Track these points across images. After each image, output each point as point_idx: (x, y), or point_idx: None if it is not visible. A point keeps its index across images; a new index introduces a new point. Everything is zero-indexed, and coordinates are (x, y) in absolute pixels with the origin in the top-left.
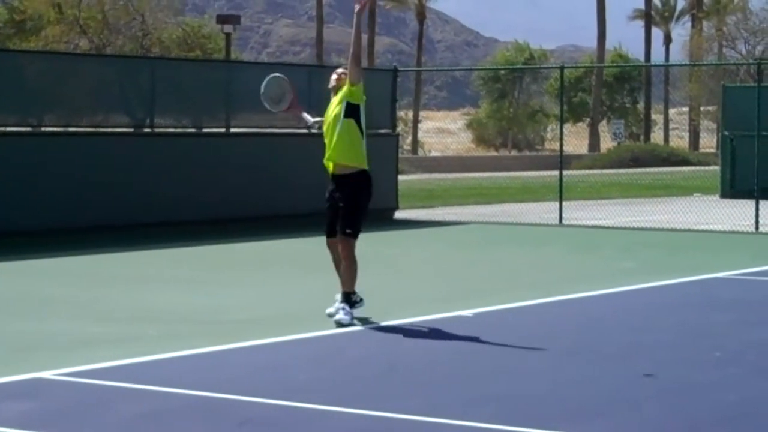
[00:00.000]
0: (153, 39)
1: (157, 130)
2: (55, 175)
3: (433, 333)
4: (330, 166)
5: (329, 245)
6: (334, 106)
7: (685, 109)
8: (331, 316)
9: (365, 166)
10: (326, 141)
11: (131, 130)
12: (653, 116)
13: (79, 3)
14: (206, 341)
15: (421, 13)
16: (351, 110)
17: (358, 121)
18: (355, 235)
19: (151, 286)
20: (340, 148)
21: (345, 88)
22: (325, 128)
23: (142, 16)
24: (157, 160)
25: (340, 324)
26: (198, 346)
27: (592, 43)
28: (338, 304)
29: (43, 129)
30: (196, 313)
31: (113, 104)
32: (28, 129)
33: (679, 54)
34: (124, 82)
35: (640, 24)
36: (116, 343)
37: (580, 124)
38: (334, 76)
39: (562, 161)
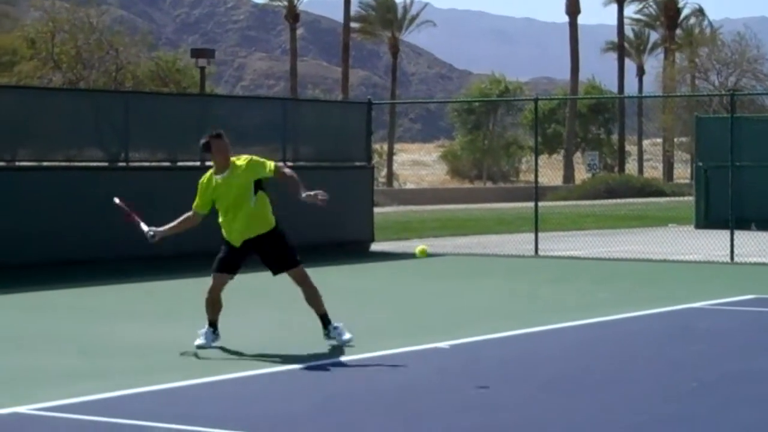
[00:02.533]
0: (126, 73)
1: (131, 164)
2: (30, 209)
3: (410, 365)
4: (241, 238)
5: (223, 281)
6: (236, 187)
7: (659, 140)
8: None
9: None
10: (226, 218)
11: (106, 164)
12: (627, 147)
13: (53, 38)
14: (182, 375)
15: (394, 46)
16: (261, 184)
17: (265, 189)
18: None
19: (124, 320)
20: (257, 222)
21: (245, 167)
22: (223, 208)
23: (116, 50)
24: (131, 193)
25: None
26: (174, 380)
27: (566, 75)
28: (339, 329)
29: (17, 164)
30: (171, 347)
31: (88, 138)
32: (2, 163)
33: (652, 85)
34: (98, 117)
35: (613, 56)
36: (92, 377)
37: (554, 155)
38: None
39: (537, 193)
